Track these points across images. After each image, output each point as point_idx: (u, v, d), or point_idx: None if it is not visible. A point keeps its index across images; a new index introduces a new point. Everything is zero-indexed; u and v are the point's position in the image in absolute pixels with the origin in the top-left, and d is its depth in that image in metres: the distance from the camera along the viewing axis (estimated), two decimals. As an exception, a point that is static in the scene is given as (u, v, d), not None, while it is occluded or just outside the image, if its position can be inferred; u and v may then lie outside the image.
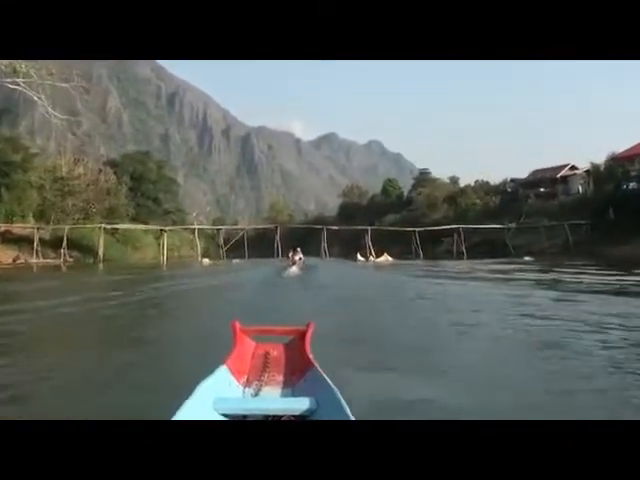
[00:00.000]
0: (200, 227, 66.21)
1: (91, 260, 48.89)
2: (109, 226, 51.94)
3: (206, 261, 43.12)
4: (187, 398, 2.32)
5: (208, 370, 2.76)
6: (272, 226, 67.09)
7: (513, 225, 54.03)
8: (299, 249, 33.73)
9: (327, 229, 61.89)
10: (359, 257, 44.36)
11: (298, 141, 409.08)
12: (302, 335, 3.43)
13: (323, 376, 2.72)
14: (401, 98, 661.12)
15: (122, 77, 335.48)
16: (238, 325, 3.44)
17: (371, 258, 43.97)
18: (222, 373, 2.89)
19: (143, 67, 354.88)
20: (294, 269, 26.82)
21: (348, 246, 76.43)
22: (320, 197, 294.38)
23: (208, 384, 2.61)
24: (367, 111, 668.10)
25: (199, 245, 57.12)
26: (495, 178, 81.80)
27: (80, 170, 59.00)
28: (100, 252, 48.26)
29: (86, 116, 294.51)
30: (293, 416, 2.37)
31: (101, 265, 42.42)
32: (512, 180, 69.40)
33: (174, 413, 2.12)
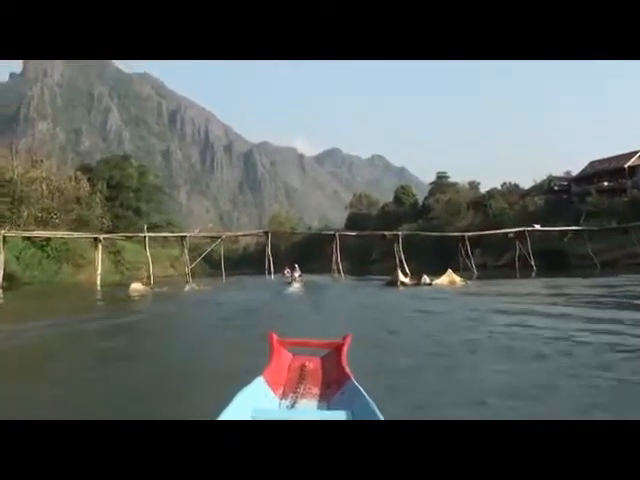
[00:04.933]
0: (153, 235, 46.19)
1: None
2: (21, 234, 38.87)
3: (135, 287, 27.17)
4: (224, 406, 2.40)
5: None
6: (260, 232, 55.24)
7: (594, 228, 42.10)
8: (297, 265, 32.96)
9: (340, 235, 47.72)
10: (401, 278, 27.25)
11: (301, 156, 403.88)
12: (339, 348, 3.45)
13: (359, 389, 2.75)
14: (403, 112, 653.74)
15: (123, 95, 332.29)
16: (275, 337, 3.49)
17: (424, 279, 26.25)
18: (259, 384, 2.97)
19: (144, 84, 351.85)
20: (297, 286, 27.00)
21: (359, 260, 67.68)
22: (324, 212, 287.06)
23: (245, 394, 2.70)
24: (370, 126, 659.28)
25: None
26: (520, 180, 72.75)
27: (38, 173, 49.20)
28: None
29: (87, 134, 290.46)
30: None
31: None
32: (565, 177, 58.29)
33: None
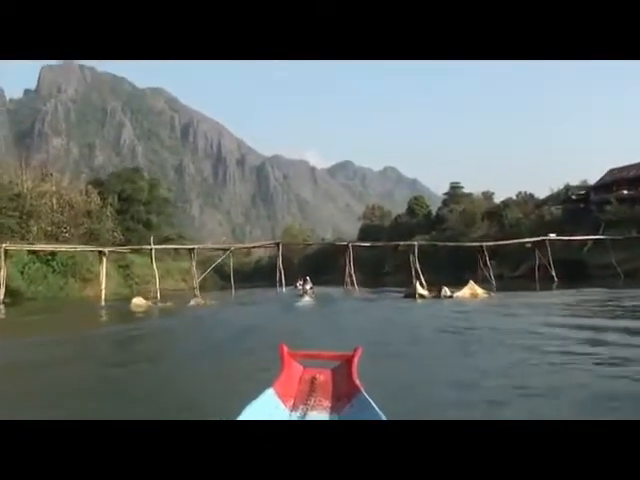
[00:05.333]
0: (159, 247, 43.70)
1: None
2: (23, 247, 37.99)
3: (137, 302, 26.34)
4: (233, 418, 2.33)
5: None
6: (271, 243, 53.57)
7: (619, 237, 40.38)
8: (308, 278, 32.96)
9: (353, 246, 46.66)
10: (420, 290, 25.88)
11: (313, 169, 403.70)
12: (349, 360, 3.42)
13: (370, 402, 2.73)
14: (416, 123, 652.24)
15: (136, 109, 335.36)
16: (286, 349, 3.48)
17: (445, 291, 24.44)
18: (269, 396, 2.96)
19: (157, 99, 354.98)
20: (308, 299, 26.83)
21: (372, 272, 66.66)
22: (337, 225, 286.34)
23: (255, 406, 2.69)
24: (382, 138, 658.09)
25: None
26: (535, 190, 71.57)
27: (47, 187, 48.83)
28: (1, 286, 33.70)
29: (101, 149, 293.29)
30: None
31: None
32: (582, 185, 56.63)
33: None
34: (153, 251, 37.06)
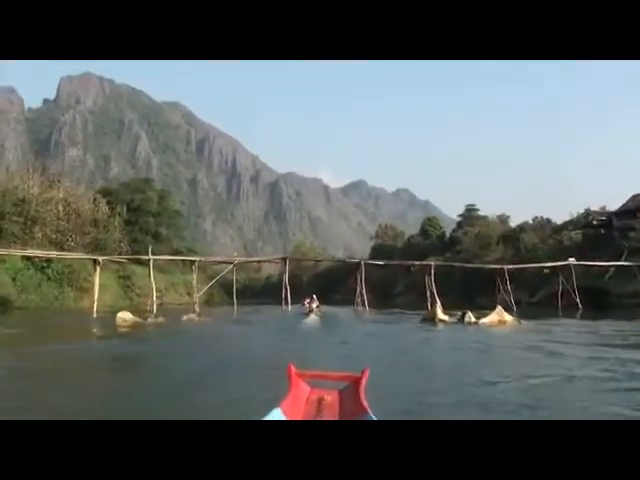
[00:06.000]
0: (157, 258, 39.77)
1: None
2: (10, 252, 35.45)
3: (123, 317, 23.17)
4: None
5: None
6: (278, 258, 50.58)
7: None
8: (315, 296, 32.57)
9: (365, 265, 43.62)
10: (441, 314, 23.60)
11: (327, 188, 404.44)
12: (357, 382, 3.44)
13: None
14: (431, 147, 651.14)
15: (152, 122, 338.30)
16: (294, 369, 3.51)
17: (469, 316, 22.37)
18: (276, 416, 2.91)
19: (174, 113, 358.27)
20: (314, 318, 26.31)
21: (383, 293, 65.08)
22: (349, 244, 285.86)
23: None
24: (396, 159, 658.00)
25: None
26: (551, 215, 70.02)
27: (54, 194, 47.94)
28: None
29: (116, 161, 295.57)
30: None
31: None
32: (603, 211, 54.44)
33: None
34: (151, 261, 35.35)
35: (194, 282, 39.64)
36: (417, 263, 47.28)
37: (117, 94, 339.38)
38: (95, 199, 56.44)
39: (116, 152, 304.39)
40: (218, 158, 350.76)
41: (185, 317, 25.71)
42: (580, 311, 33.52)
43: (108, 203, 56.90)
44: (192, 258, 44.52)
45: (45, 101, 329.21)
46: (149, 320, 24.25)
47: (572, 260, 39.85)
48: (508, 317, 22.90)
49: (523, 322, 22.49)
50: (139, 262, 45.34)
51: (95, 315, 28.48)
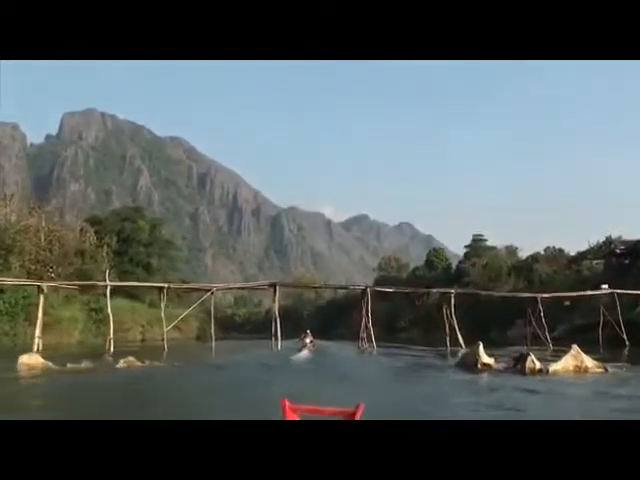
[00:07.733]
0: (115, 284, 37.83)
1: None
2: None
3: (26, 361, 18.76)
4: None
5: None
6: (265, 284, 43.79)
7: None
8: (309, 331, 32.22)
9: (372, 292, 37.00)
10: (485, 357, 17.64)
11: (329, 222, 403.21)
12: (351, 416, 3.44)
13: None
14: (432, 182, 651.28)
15: (154, 157, 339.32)
16: (287, 404, 3.51)
17: (532, 361, 16.65)
18: None
19: (175, 148, 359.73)
20: (305, 352, 26.05)
21: (387, 327, 61.72)
22: (351, 277, 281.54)
23: None
24: (398, 193, 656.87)
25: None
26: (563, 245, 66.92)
27: (33, 221, 44.81)
28: None
29: (117, 195, 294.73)
30: None
31: None
32: (627, 241, 50.20)
33: None
34: (108, 288, 30.78)
35: (162, 315, 34.61)
36: (434, 290, 42.63)
37: (119, 129, 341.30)
38: (82, 228, 53.39)
39: (118, 186, 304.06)
40: (219, 192, 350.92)
41: (122, 362, 19.84)
42: (627, 348, 29.17)
43: (96, 232, 53.79)
44: (159, 284, 39.43)
45: (47, 137, 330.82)
46: (69, 365, 18.91)
47: (605, 287, 35.41)
48: (589, 362, 16.74)
49: (611, 370, 16.75)
50: (82, 287, 40.17)
51: (35, 352, 23.16)
